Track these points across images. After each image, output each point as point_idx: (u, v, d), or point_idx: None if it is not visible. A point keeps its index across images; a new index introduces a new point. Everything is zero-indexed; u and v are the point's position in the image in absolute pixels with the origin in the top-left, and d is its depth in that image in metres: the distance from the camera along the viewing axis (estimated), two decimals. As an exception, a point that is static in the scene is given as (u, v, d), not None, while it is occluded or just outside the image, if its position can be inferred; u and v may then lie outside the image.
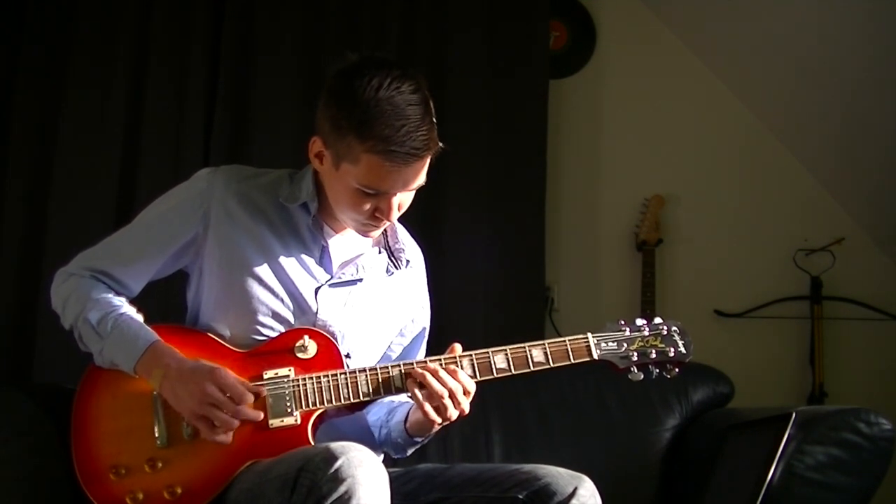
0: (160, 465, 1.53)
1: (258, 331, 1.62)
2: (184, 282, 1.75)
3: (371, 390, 1.58)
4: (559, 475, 1.52)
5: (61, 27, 2.85)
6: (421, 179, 1.55)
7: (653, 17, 3.24)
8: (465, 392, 1.55)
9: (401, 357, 1.79)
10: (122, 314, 1.60)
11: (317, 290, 1.65)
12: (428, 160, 1.53)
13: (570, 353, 1.63)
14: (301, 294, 1.64)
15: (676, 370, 1.70)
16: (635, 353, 1.67)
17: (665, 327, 1.70)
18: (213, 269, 1.65)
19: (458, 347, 1.61)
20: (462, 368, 1.57)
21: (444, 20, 2.96)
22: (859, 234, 3.19)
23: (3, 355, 2.72)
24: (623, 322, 1.69)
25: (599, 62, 3.24)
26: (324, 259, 1.67)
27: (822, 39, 2.85)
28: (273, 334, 1.62)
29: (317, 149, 1.58)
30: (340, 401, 1.57)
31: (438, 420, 1.55)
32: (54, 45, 2.84)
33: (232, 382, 1.51)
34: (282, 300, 1.63)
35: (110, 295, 1.64)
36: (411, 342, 1.81)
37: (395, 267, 1.73)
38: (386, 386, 1.58)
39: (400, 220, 1.66)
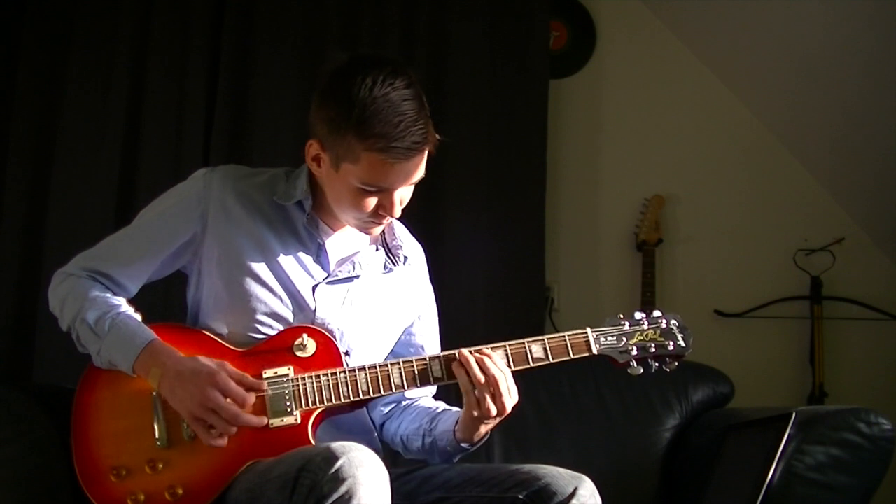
0: (161, 465, 1.53)
1: (257, 329, 1.62)
2: (184, 282, 1.75)
3: (371, 388, 1.58)
4: (559, 475, 1.52)
5: (61, 27, 2.85)
6: (421, 172, 1.56)
7: (653, 17, 3.24)
8: (505, 377, 1.55)
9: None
10: (119, 314, 1.60)
11: (314, 287, 1.65)
12: (426, 153, 1.54)
13: (570, 349, 1.63)
14: (299, 292, 1.64)
15: (676, 363, 1.70)
16: (634, 348, 1.67)
17: (664, 321, 1.70)
18: (211, 268, 1.65)
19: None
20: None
21: (444, 20, 2.96)
22: (859, 234, 3.18)
23: (3, 355, 2.72)
24: (622, 316, 1.69)
25: (599, 62, 3.24)
26: (321, 256, 1.67)
27: (823, 39, 2.85)
28: (271, 333, 1.62)
29: (314, 152, 1.58)
30: (340, 399, 1.56)
31: (494, 410, 1.53)
32: (54, 45, 2.84)
33: (233, 388, 1.50)
34: (280, 298, 1.63)
35: (108, 295, 1.64)
36: (427, 342, 1.81)
37: (393, 264, 1.73)
38: (385, 384, 1.58)
39: (399, 218, 1.66)
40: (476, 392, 1.54)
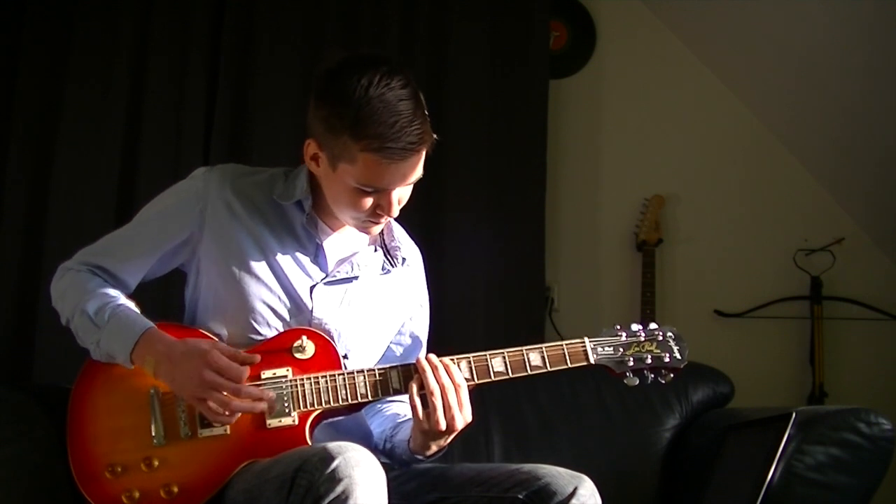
0: (156, 463, 1.53)
1: (255, 328, 1.62)
2: (182, 282, 1.75)
3: (369, 391, 1.58)
4: (559, 475, 1.52)
5: (61, 26, 2.85)
6: (418, 173, 1.55)
7: (653, 17, 3.24)
8: (457, 390, 1.54)
9: (402, 359, 1.78)
10: (119, 305, 1.61)
11: (312, 287, 1.65)
12: (424, 153, 1.53)
13: (568, 358, 1.63)
14: (296, 291, 1.64)
15: (671, 375, 1.71)
16: (631, 358, 1.67)
17: (661, 333, 1.71)
18: (209, 266, 1.65)
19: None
20: (460, 371, 1.57)
21: (445, 20, 2.96)
22: (859, 234, 3.18)
23: (3, 355, 2.72)
24: (619, 327, 1.70)
25: (599, 62, 3.24)
26: (319, 257, 1.67)
27: (823, 39, 2.85)
28: (270, 333, 1.62)
29: (312, 151, 1.58)
30: (338, 402, 1.56)
31: (442, 423, 1.52)
32: (54, 44, 2.84)
33: (226, 363, 1.50)
34: (278, 297, 1.63)
35: (108, 288, 1.64)
36: (412, 344, 1.81)
37: (392, 265, 1.73)
38: (384, 387, 1.58)
39: (398, 219, 1.66)
40: (427, 402, 1.52)
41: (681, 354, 1.70)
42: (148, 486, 1.51)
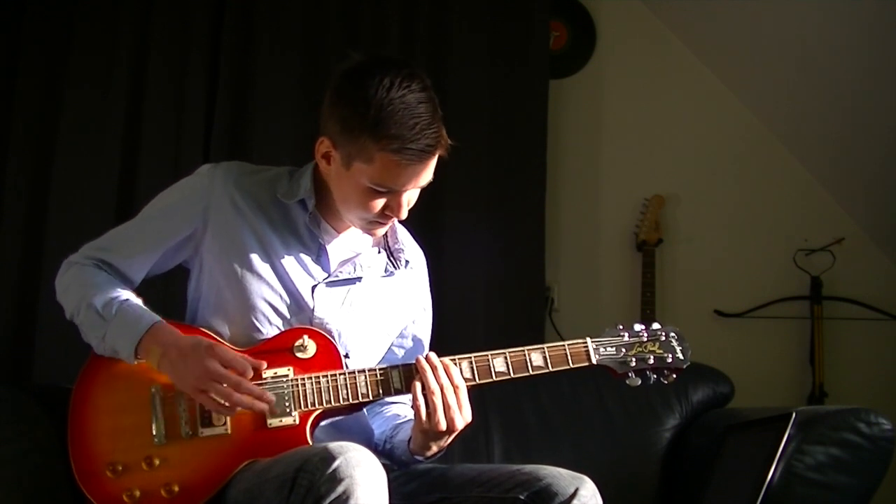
0: (157, 462, 1.53)
1: (256, 327, 1.62)
2: (184, 278, 1.75)
3: (370, 391, 1.58)
4: (560, 476, 1.52)
5: (61, 26, 2.84)
6: (429, 176, 1.57)
7: (653, 17, 3.24)
8: (456, 391, 1.54)
9: (404, 361, 1.78)
10: (126, 299, 1.61)
11: (313, 287, 1.65)
12: (437, 156, 1.55)
13: (570, 358, 1.64)
14: (298, 290, 1.64)
15: (674, 376, 1.71)
16: (633, 359, 1.68)
17: (663, 333, 1.71)
18: (212, 263, 1.65)
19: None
20: (461, 371, 1.57)
21: (445, 20, 2.96)
22: (859, 234, 3.18)
23: (3, 355, 2.72)
24: (622, 327, 1.70)
25: (599, 62, 3.24)
26: (321, 257, 1.67)
27: (822, 39, 2.85)
28: (271, 331, 1.63)
29: (324, 149, 1.58)
30: (339, 402, 1.57)
31: (443, 424, 1.52)
32: (54, 45, 2.84)
33: (232, 356, 1.51)
34: (279, 295, 1.63)
35: (114, 282, 1.64)
36: (414, 346, 1.81)
37: (395, 267, 1.73)
38: (385, 387, 1.58)
39: (402, 220, 1.66)
40: (428, 402, 1.53)
41: (683, 355, 1.71)
42: (149, 485, 1.52)
